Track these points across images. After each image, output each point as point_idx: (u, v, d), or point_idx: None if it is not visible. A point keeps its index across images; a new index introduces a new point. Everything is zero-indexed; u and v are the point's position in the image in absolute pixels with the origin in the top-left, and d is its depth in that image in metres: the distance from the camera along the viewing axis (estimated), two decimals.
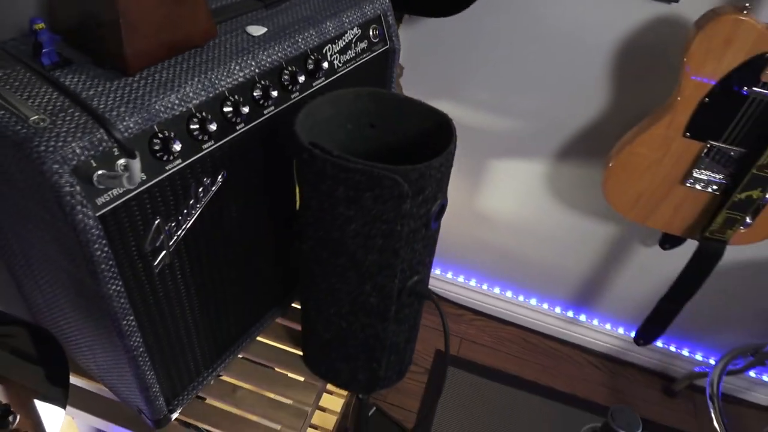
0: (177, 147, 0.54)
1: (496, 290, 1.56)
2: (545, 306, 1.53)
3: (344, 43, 0.74)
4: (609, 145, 1.20)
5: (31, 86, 0.52)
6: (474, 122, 1.25)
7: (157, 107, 0.52)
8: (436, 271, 1.55)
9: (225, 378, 0.80)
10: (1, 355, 0.64)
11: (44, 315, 0.74)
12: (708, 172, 0.99)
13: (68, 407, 0.73)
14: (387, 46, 0.81)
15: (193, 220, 0.60)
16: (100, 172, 0.49)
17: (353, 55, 0.76)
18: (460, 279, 1.54)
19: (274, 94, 0.63)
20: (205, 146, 0.58)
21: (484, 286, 1.57)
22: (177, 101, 0.54)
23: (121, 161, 0.50)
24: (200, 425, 0.76)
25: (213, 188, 0.61)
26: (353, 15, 0.74)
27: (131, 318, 0.58)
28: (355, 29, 0.75)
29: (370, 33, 0.78)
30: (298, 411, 0.77)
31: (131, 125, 0.50)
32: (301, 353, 0.83)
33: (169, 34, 0.55)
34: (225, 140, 0.60)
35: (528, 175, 1.31)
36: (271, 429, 0.75)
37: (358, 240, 0.58)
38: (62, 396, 0.69)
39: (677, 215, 1.07)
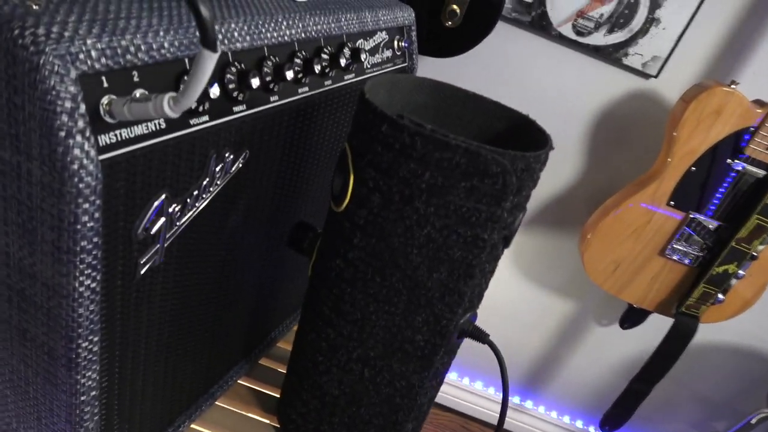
0: (215, 92, 0.39)
1: None
2: (491, 391, 1.42)
3: (374, 44, 0.64)
4: (578, 214, 1.19)
5: None
6: None
7: (197, 34, 0.38)
8: None
9: None
10: None
11: None
12: (687, 244, 0.99)
13: None
14: (406, 64, 0.73)
15: (200, 208, 0.44)
16: (110, 97, 0.32)
17: (380, 60, 0.66)
18: None
19: (317, 68, 0.51)
20: (237, 109, 0.43)
21: None
22: (220, 35, 0.40)
23: (139, 92, 0.34)
24: None
25: (232, 169, 0.45)
26: (386, 15, 0.65)
27: (95, 339, 0.38)
28: (384, 32, 0.66)
29: (395, 44, 0.69)
30: None
31: (159, 43, 0.35)
32: (276, 425, 0.64)
33: None
34: (257, 110, 0.46)
35: None
36: None
37: (427, 250, 0.45)
38: None
39: (653, 288, 1.05)
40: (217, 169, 0.44)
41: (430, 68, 1.09)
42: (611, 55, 1.01)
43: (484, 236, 0.44)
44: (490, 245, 0.45)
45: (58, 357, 0.38)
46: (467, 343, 1.39)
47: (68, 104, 0.30)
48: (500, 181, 0.42)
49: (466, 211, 0.43)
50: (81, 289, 0.35)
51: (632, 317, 1.19)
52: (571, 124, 1.10)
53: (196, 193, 0.42)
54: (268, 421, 0.64)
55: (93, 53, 0.31)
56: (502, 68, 1.07)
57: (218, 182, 0.45)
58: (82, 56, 0.30)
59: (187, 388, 0.57)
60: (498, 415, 1.43)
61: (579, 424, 1.43)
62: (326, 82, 0.55)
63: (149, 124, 0.36)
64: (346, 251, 0.48)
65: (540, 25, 1.01)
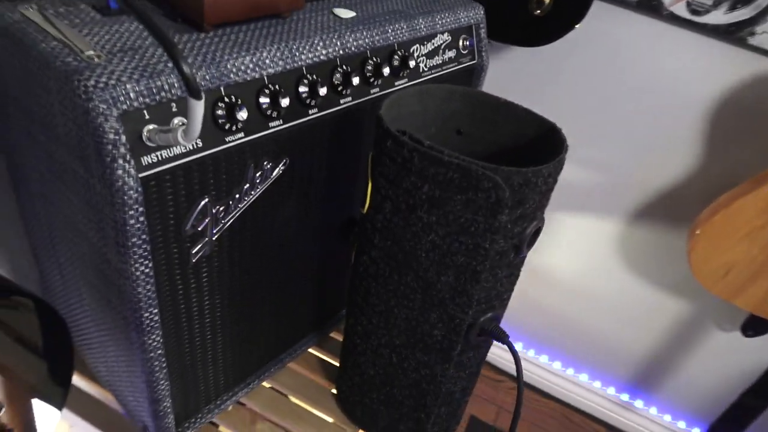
0: (243, 115, 0.46)
1: (543, 359, 1.41)
2: (597, 384, 1.37)
3: (433, 47, 0.67)
4: (691, 210, 1.09)
5: (92, 24, 0.45)
6: None
7: (228, 66, 0.45)
8: None
9: (246, 405, 0.70)
10: (2, 339, 0.55)
11: (59, 299, 0.66)
12: None
13: (65, 411, 0.63)
14: (475, 61, 0.74)
15: (244, 208, 0.52)
16: (151, 126, 0.41)
17: (440, 62, 0.69)
18: None
19: (355, 81, 0.56)
20: (273, 124, 0.50)
21: (531, 353, 1.43)
22: (251, 65, 0.47)
23: (177, 120, 0.43)
24: None
25: (272, 175, 0.53)
26: (446, 18, 0.67)
27: (155, 311, 0.48)
28: (445, 34, 0.68)
29: (460, 43, 0.71)
30: None
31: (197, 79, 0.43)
32: (334, 391, 0.72)
33: None
34: (294, 123, 0.52)
35: (596, 234, 1.20)
36: None
37: (434, 255, 0.48)
38: (61, 396, 0.60)
39: None
40: (257, 175, 0.52)
41: (524, 58, 1.07)
42: (734, 34, 0.89)
43: (485, 245, 0.46)
44: (494, 252, 0.47)
45: (130, 322, 0.49)
46: (578, 335, 1.35)
47: (112, 136, 0.39)
48: (493, 196, 0.43)
49: (465, 221, 0.46)
50: (137, 273, 0.45)
51: (756, 325, 1.07)
52: (686, 113, 1.01)
53: (237, 196, 0.51)
54: (328, 388, 0.73)
55: (132, 94, 0.40)
56: (606, 54, 1.01)
57: (259, 187, 0.52)
58: (122, 98, 0.39)
59: (256, 353, 0.67)
60: (604, 411, 1.37)
61: None
62: (372, 90, 0.60)
63: (181, 144, 0.44)
64: (369, 249, 0.53)
65: (649, 4, 0.92)
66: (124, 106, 0.39)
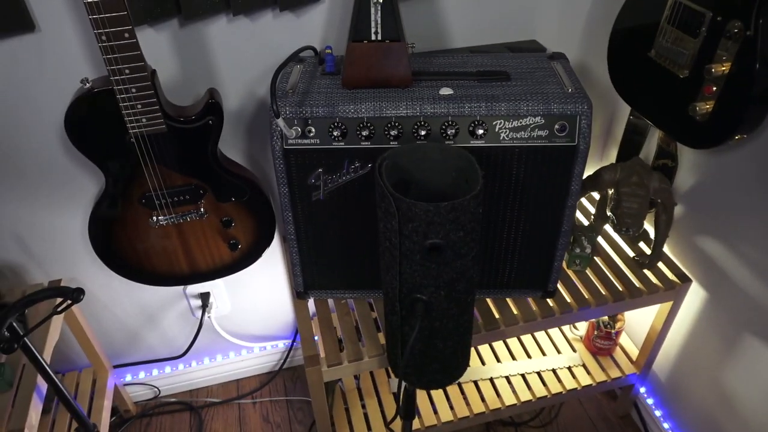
0: (337, 133, 0.90)
1: None
2: None
3: (519, 124, 0.91)
4: None
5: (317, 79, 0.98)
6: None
7: (341, 107, 0.90)
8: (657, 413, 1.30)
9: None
10: None
11: None
12: None
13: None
14: (571, 143, 0.92)
15: (340, 184, 0.96)
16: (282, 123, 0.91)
17: (526, 135, 0.91)
18: None
19: (425, 132, 0.90)
20: (363, 143, 0.92)
21: None
22: (353, 109, 0.90)
23: (311, 129, 0.91)
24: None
25: (360, 171, 0.95)
26: (534, 107, 0.89)
27: (292, 228, 1.00)
28: (538, 118, 0.90)
29: (556, 126, 0.91)
30: None
31: (320, 111, 0.90)
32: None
33: (374, 72, 0.91)
34: (376, 145, 0.92)
35: None
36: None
37: (383, 238, 0.82)
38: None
39: None
40: (351, 167, 0.95)
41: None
42: None
43: (395, 240, 0.78)
44: (405, 249, 0.78)
45: (282, 235, 1.02)
46: None
47: (275, 129, 0.91)
48: (392, 209, 0.75)
49: (387, 224, 0.78)
50: (284, 203, 0.97)
51: None
52: None
53: (337, 175, 0.95)
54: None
55: (288, 112, 0.90)
56: None
57: (351, 174, 0.95)
58: (286, 114, 0.90)
59: (357, 273, 1.10)
60: None
61: None
62: (447, 141, 0.92)
63: (311, 139, 0.92)
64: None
65: None
66: (286, 114, 0.90)
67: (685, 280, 1.16)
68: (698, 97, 0.89)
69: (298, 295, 1.13)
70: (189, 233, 1.07)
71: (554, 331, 1.47)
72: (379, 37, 0.89)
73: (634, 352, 1.41)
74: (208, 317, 1.44)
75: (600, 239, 1.25)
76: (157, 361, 1.52)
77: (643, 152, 1.22)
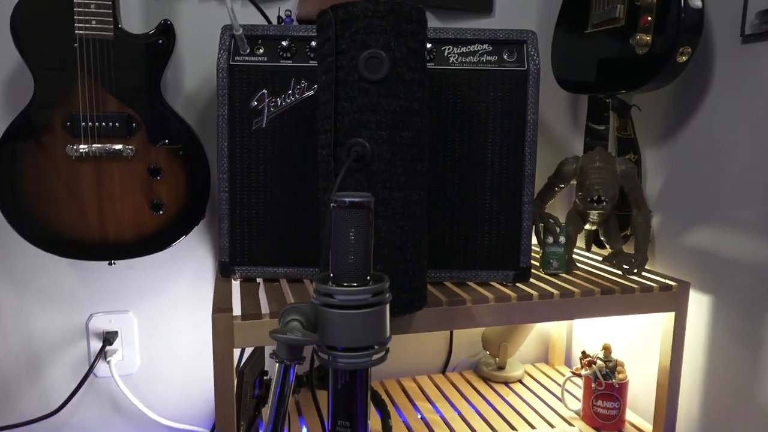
0: (286, 54, 0.89)
1: None
2: None
3: (468, 50, 0.92)
4: None
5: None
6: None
7: (292, 31, 0.91)
8: None
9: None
10: None
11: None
12: None
13: None
14: (521, 68, 0.91)
15: (284, 108, 0.91)
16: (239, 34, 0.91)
17: (475, 60, 0.91)
18: None
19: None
20: (311, 62, 0.90)
21: None
22: (304, 28, 0.91)
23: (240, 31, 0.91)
24: None
25: (306, 93, 0.91)
26: (482, 35, 0.92)
27: (225, 143, 0.91)
28: (485, 45, 0.92)
29: (505, 54, 0.91)
30: None
31: (271, 30, 0.91)
32: None
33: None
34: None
35: None
36: None
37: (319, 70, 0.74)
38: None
39: None
40: (297, 88, 0.91)
41: (674, 103, 0.99)
42: None
43: (330, 59, 0.70)
44: (341, 76, 0.70)
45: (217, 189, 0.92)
46: None
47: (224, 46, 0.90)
48: (327, 20, 0.70)
49: (325, 48, 0.72)
50: (221, 129, 0.90)
51: None
52: None
53: (283, 96, 0.91)
54: None
55: (240, 29, 0.91)
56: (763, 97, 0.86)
57: (297, 96, 0.91)
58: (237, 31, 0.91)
59: (293, 237, 0.94)
60: None
61: None
62: None
63: (259, 57, 0.91)
64: None
65: None
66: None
67: (681, 282, 0.99)
68: (637, 30, 0.93)
69: (222, 269, 0.94)
70: (108, 177, 0.94)
71: (543, 408, 1.17)
72: None
73: (647, 429, 1.09)
74: (107, 364, 1.14)
75: (578, 256, 1.10)
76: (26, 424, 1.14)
77: None
